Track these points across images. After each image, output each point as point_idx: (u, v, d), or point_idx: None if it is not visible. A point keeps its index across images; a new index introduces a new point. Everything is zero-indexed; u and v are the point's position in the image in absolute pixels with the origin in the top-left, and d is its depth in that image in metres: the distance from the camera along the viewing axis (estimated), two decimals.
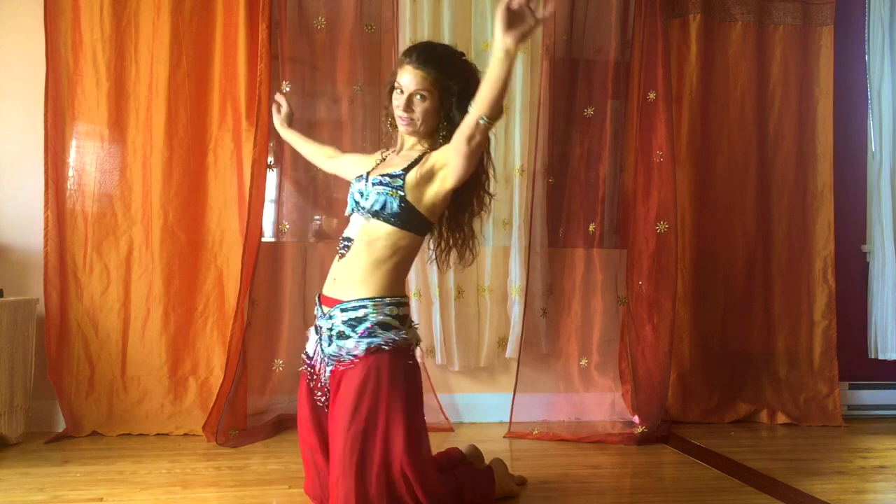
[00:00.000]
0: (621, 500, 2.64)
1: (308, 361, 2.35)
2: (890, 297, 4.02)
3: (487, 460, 2.67)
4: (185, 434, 3.31)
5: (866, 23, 4.10)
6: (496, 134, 3.67)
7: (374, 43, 3.64)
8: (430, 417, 3.43)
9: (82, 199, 3.37)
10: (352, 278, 2.25)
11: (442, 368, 3.67)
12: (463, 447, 2.68)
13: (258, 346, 3.47)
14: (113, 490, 2.57)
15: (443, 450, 2.66)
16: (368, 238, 2.25)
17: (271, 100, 3.41)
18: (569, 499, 2.61)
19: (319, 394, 2.30)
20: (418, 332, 2.34)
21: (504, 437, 3.46)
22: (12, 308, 3.10)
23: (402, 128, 2.31)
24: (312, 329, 2.38)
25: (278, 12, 3.48)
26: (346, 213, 2.36)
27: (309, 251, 3.57)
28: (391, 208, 2.24)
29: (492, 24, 3.62)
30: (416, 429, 2.23)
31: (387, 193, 2.24)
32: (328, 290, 2.31)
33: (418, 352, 2.33)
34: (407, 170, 2.25)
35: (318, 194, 3.60)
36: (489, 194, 2.40)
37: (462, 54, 2.38)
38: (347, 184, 2.49)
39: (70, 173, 3.37)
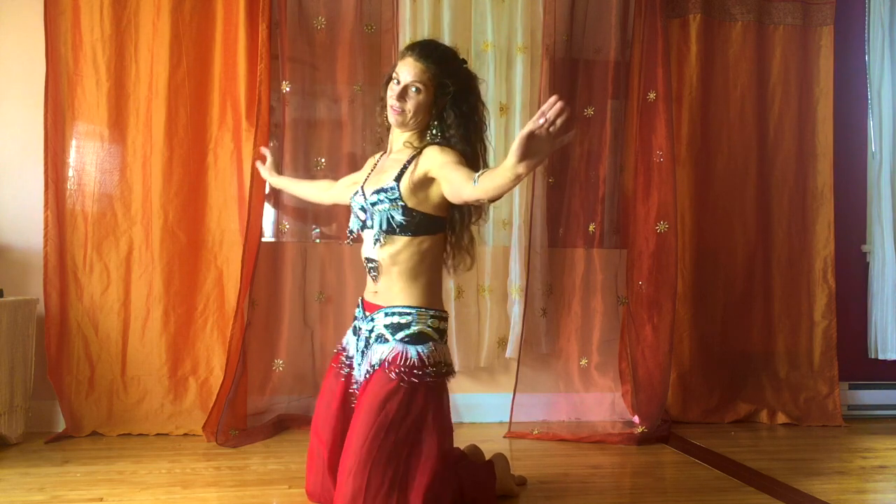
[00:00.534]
0: (621, 500, 2.64)
1: (346, 360, 2.37)
2: (890, 297, 4.02)
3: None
4: (185, 434, 3.31)
5: (866, 23, 4.10)
6: (496, 134, 3.67)
7: (374, 43, 3.64)
8: None
9: (82, 199, 3.37)
10: (394, 290, 2.28)
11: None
12: (464, 447, 2.68)
13: (258, 346, 3.47)
14: (113, 490, 2.56)
15: None
16: (389, 253, 2.28)
17: (271, 99, 3.42)
18: (569, 499, 2.61)
19: (353, 387, 2.32)
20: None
21: (504, 437, 3.46)
22: (12, 308, 3.10)
23: (392, 118, 2.32)
24: (350, 330, 2.42)
25: (278, 12, 3.48)
26: (355, 230, 2.38)
27: (309, 251, 3.57)
28: (398, 221, 2.25)
29: (492, 23, 3.65)
30: (444, 435, 2.26)
31: (388, 209, 2.25)
32: (370, 297, 2.35)
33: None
34: (399, 178, 2.26)
35: None
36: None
37: (464, 60, 2.40)
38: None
39: (70, 173, 3.36)
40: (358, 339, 2.36)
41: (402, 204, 2.24)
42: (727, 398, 3.88)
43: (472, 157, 2.33)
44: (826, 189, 3.99)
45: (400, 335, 2.24)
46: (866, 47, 4.11)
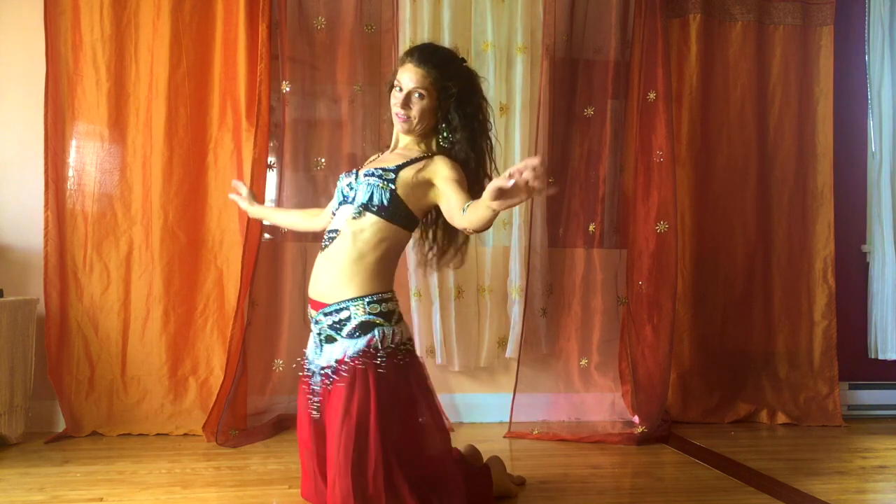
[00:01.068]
0: (621, 500, 2.64)
1: (308, 365, 2.35)
2: (890, 297, 4.02)
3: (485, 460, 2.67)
4: (185, 434, 3.31)
5: (866, 23, 4.10)
6: (496, 135, 3.66)
7: (374, 43, 3.64)
8: None
9: (82, 199, 3.37)
10: (333, 277, 2.24)
11: (442, 368, 3.66)
12: (462, 448, 2.68)
13: (258, 346, 3.47)
14: (113, 490, 2.56)
15: None
16: (353, 229, 2.24)
17: (271, 99, 3.42)
18: (569, 499, 2.61)
19: (313, 397, 2.29)
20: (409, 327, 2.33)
21: (504, 437, 3.46)
22: (12, 308, 3.10)
23: (398, 125, 2.32)
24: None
25: (278, 12, 3.48)
26: (333, 209, 2.36)
27: (309, 251, 3.57)
28: (379, 200, 2.24)
29: (492, 23, 3.65)
30: (413, 426, 2.23)
31: (377, 185, 2.24)
32: (313, 292, 2.31)
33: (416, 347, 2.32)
34: (402, 166, 2.25)
35: (319, 193, 3.59)
36: None
37: (463, 59, 2.39)
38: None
39: (70, 173, 3.37)
40: (313, 342, 2.34)
41: (393, 188, 2.23)
42: (727, 398, 3.88)
43: (479, 159, 2.33)
44: (826, 189, 3.98)
45: (345, 331, 2.21)
46: (866, 47, 4.11)
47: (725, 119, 3.94)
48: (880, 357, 4.05)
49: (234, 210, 3.46)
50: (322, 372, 2.25)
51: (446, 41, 3.57)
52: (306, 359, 2.37)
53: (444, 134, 2.29)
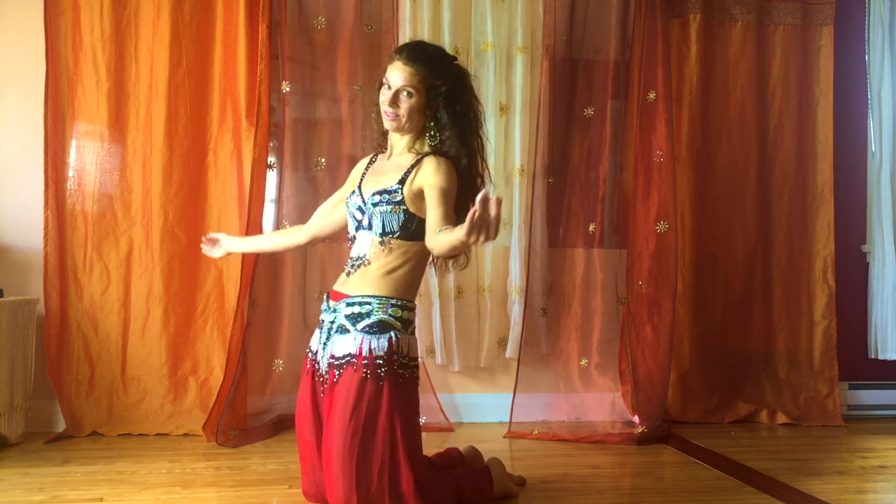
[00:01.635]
0: (621, 500, 2.64)
1: (312, 356, 2.35)
2: (890, 297, 4.01)
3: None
4: (185, 434, 3.30)
5: (866, 23, 4.10)
6: (496, 134, 3.67)
7: (374, 43, 3.64)
8: (430, 417, 3.46)
9: (82, 199, 3.37)
10: (364, 280, 2.27)
11: (442, 368, 3.67)
12: (462, 448, 2.68)
13: (258, 346, 3.47)
14: (113, 490, 2.56)
15: (442, 450, 2.65)
16: (377, 252, 2.28)
17: (271, 99, 3.42)
18: (569, 499, 2.61)
19: (323, 385, 2.30)
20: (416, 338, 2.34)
21: (504, 437, 3.46)
22: (12, 308, 3.10)
23: (387, 124, 2.32)
24: (318, 327, 2.40)
25: (278, 12, 3.48)
26: (351, 232, 2.37)
27: (309, 251, 3.57)
28: (396, 225, 2.26)
29: (492, 23, 3.65)
30: (415, 429, 2.25)
31: (389, 212, 2.26)
32: (339, 287, 2.33)
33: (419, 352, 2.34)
34: (402, 181, 2.27)
35: (319, 194, 3.59)
36: None
37: (454, 58, 2.39)
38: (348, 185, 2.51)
39: (70, 173, 3.37)
40: (320, 332, 2.34)
41: (405, 208, 2.25)
42: (727, 398, 3.88)
43: (470, 157, 2.33)
44: (826, 189, 3.98)
45: (360, 325, 2.23)
46: (866, 47, 4.11)
47: (725, 119, 3.94)
48: (880, 357, 4.05)
49: (234, 210, 3.46)
50: (331, 363, 2.25)
51: (446, 41, 3.57)
52: (310, 350, 2.37)
53: (433, 132, 2.29)
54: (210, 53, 3.47)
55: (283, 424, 3.45)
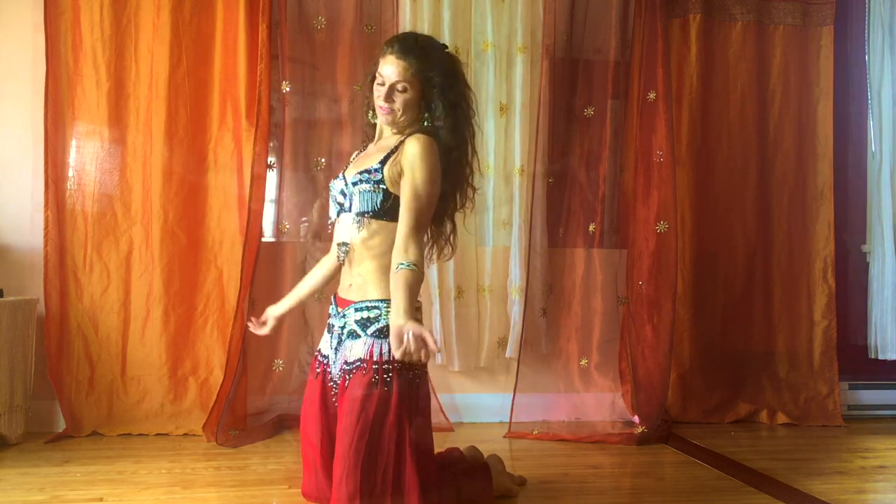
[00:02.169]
0: (621, 500, 2.65)
1: (322, 359, 2.35)
2: (890, 297, 4.01)
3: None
4: (185, 434, 3.30)
5: (866, 23, 4.10)
6: (496, 134, 3.67)
7: (375, 43, 3.63)
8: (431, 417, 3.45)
9: (82, 199, 3.37)
10: (367, 284, 2.26)
11: (442, 368, 3.66)
12: (463, 448, 2.68)
13: (258, 346, 3.46)
14: (113, 490, 2.57)
15: (443, 450, 2.65)
16: (363, 236, 2.25)
17: (271, 99, 3.42)
18: (568, 499, 2.61)
19: (334, 388, 2.30)
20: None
21: (504, 437, 3.46)
22: (12, 308, 3.10)
23: (382, 118, 2.31)
24: (326, 329, 2.40)
25: (278, 12, 3.48)
26: (332, 217, 2.35)
27: (309, 251, 3.57)
28: (376, 204, 2.24)
29: (492, 23, 3.65)
30: (424, 430, 2.25)
31: (369, 191, 2.24)
32: (343, 293, 2.33)
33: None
34: (384, 161, 2.25)
35: (319, 194, 3.59)
36: (473, 188, 2.40)
37: (444, 46, 2.37)
38: None
39: (70, 173, 3.36)
40: (331, 337, 2.34)
41: (384, 188, 2.23)
42: (727, 398, 3.88)
43: (461, 147, 2.32)
44: (826, 189, 3.98)
45: (370, 330, 2.23)
46: (866, 47, 4.11)
47: (725, 119, 3.94)
48: (880, 357, 4.04)
49: (234, 210, 3.46)
50: (343, 368, 2.25)
51: (446, 41, 3.56)
52: (319, 353, 2.37)
53: (426, 123, 2.28)
54: (210, 53, 3.47)
55: (283, 424, 3.45)
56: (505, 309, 3.73)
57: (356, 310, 2.26)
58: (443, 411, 3.55)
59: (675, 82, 3.82)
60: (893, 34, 4.08)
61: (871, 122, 4.11)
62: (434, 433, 2.83)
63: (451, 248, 2.43)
